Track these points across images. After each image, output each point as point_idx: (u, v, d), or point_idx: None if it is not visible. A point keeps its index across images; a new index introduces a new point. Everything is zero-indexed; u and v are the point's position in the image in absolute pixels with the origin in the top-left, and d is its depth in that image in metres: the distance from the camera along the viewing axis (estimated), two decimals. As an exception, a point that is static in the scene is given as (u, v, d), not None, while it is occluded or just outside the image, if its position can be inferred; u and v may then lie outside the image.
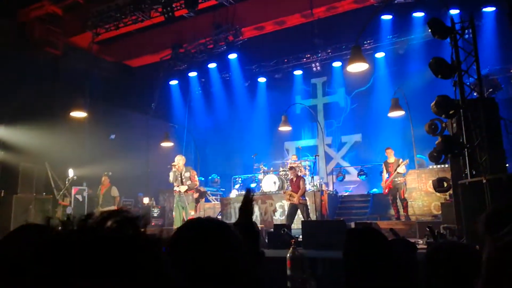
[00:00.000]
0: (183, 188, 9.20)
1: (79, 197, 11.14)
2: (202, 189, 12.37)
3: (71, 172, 10.73)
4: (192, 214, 9.28)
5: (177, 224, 9.20)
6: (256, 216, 11.44)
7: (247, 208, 1.67)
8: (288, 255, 4.04)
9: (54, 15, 12.39)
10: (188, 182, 9.27)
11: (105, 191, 10.74)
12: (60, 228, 0.56)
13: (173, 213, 9.69)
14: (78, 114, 11.13)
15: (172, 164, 9.50)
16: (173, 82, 15.71)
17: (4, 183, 9.93)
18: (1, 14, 11.12)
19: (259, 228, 6.94)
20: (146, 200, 13.68)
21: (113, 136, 13.47)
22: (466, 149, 5.45)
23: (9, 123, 10.26)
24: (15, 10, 12.06)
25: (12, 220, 9.44)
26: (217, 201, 13.61)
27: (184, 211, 9.20)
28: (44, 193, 10.73)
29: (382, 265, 1.80)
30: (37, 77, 11.25)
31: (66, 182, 10.64)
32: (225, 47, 13.07)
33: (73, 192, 11.12)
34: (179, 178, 9.34)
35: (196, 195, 10.09)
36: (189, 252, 1.15)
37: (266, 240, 6.27)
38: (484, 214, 1.86)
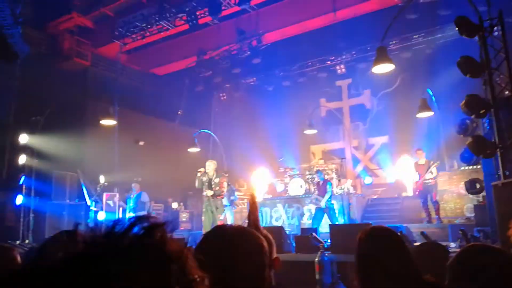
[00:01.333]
0: (210, 193, 9.29)
1: (111, 203, 11.42)
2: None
3: (102, 179, 11.01)
4: (221, 218, 9.36)
5: (206, 228, 9.29)
6: (283, 220, 11.43)
7: (253, 214, 1.69)
8: (316, 259, 4.03)
9: (82, 27, 12.79)
10: (217, 188, 9.36)
11: (135, 196, 10.97)
12: (87, 235, 0.55)
13: (202, 217, 9.79)
14: (108, 122, 11.43)
15: (198, 170, 9.60)
16: (199, 89, 15.90)
17: (39, 191, 10.27)
18: (33, 26, 11.55)
19: (285, 230, 6.92)
20: (175, 205, 13.88)
21: (142, 143, 13.75)
22: (498, 149, 5.30)
23: (42, 132, 10.62)
24: (46, 23, 12.51)
25: (47, 226, 9.74)
26: (244, 205, 13.66)
27: (213, 216, 9.29)
28: (77, 200, 11.05)
29: (394, 266, 1.76)
30: (68, 87, 11.62)
31: (98, 189, 10.91)
32: (248, 52, 13.16)
33: (104, 198, 11.41)
34: (207, 183, 9.42)
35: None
36: (214, 258, 1.18)
37: (294, 244, 6.26)
38: None
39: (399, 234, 1.98)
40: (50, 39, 12.60)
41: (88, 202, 10.75)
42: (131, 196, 11.14)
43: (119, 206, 11.41)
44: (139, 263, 0.52)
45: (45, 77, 11.00)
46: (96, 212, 10.75)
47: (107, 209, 11.17)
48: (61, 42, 12.65)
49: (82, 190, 10.85)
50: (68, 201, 10.83)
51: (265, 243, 1.25)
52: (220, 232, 1.30)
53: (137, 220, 0.57)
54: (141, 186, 11.39)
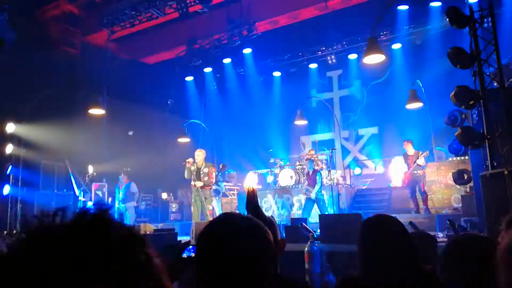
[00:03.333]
0: (199, 184, 9.26)
1: (99, 193, 11.35)
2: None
3: (90, 169, 10.92)
4: (210, 208, 9.35)
5: (195, 218, 9.29)
6: (273, 210, 11.46)
7: (254, 202, 1.68)
8: (306, 249, 4.04)
9: (70, 14, 12.57)
10: (206, 178, 9.32)
11: (124, 187, 10.91)
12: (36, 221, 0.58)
13: (191, 208, 9.77)
14: (96, 111, 11.31)
15: (187, 160, 9.55)
16: (189, 78, 15.79)
17: (26, 180, 10.16)
18: (20, 13, 11.32)
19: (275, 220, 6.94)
20: (164, 196, 13.84)
21: (131, 133, 13.64)
22: (486, 140, 5.35)
23: (29, 121, 10.48)
24: (33, 10, 12.26)
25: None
26: (234, 196, 13.67)
27: (202, 206, 9.27)
28: (65, 190, 10.95)
29: (399, 254, 1.78)
30: (56, 76, 11.44)
31: (86, 179, 10.83)
32: (239, 42, 13.07)
33: (93, 188, 11.33)
34: (196, 173, 9.39)
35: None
36: (220, 248, 1.16)
37: (284, 235, 6.28)
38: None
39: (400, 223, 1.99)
40: (38, 26, 12.36)
41: (77, 192, 10.68)
42: (120, 187, 11.07)
43: (107, 196, 11.35)
44: (82, 246, 0.54)
45: (32, 65, 10.81)
46: (84, 202, 10.68)
47: (96, 199, 11.10)
48: (49, 30, 12.43)
49: (71, 180, 10.76)
50: (56, 191, 10.74)
51: (271, 237, 1.24)
52: (229, 222, 1.26)
53: (86, 208, 0.60)
54: (130, 176, 11.32)
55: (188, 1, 11.36)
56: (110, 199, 11.50)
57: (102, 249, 0.54)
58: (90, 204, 10.34)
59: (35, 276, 0.51)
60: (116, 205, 10.89)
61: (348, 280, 1.91)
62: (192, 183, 9.42)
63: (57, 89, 11.28)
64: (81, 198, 10.71)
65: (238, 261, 1.15)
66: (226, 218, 1.29)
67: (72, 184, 10.78)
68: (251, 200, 1.68)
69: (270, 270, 1.21)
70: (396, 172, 11.45)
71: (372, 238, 1.89)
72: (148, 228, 7.76)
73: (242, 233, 1.19)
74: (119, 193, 11.07)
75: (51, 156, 10.85)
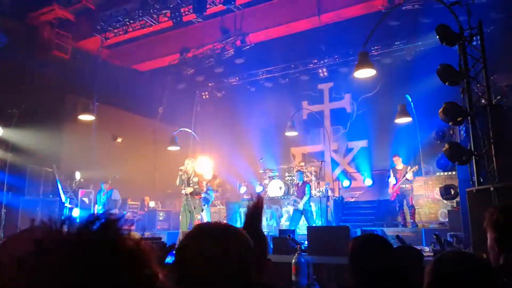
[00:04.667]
0: (189, 190, 9.20)
1: (86, 200, 11.21)
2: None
3: (78, 175, 10.81)
4: (198, 218, 9.29)
5: (183, 228, 9.21)
6: (262, 221, 11.42)
7: (256, 214, 1.68)
8: (293, 260, 4.03)
9: (63, 20, 12.52)
10: (196, 187, 9.29)
11: (106, 194, 10.79)
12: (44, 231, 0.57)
13: (180, 217, 9.71)
14: (86, 117, 11.23)
15: (180, 168, 9.52)
16: (181, 87, 15.77)
17: (12, 185, 10.01)
18: (11, 16, 11.26)
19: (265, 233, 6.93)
20: (152, 204, 13.71)
21: (120, 140, 13.55)
22: (473, 157, 5.41)
23: (17, 125, 10.35)
24: (25, 14, 12.20)
25: (19, 222, 9.50)
26: (223, 205, 13.61)
27: (191, 215, 9.21)
28: (51, 196, 10.80)
29: (387, 269, 1.82)
30: (46, 80, 11.36)
31: (73, 185, 10.71)
32: (232, 52, 13.13)
33: (80, 194, 11.19)
34: (186, 182, 9.35)
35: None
36: (199, 256, 1.16)
37: (271, 246, 6.26)
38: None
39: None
40: (29, 30, 12.28)
41: (63, 198, 10.54)
42: (102, 194, 10.94)
43: (94, 203, 11.21)
44: (92, 257, 0.53)
45: (22, 68, 10.73)
46: (70, 209, 10.55)
47: (82, 206, 10.96)
48: (40, 34, 12.35)
49: (57, 186, 10.62)
50: (42, 197, 10.58)
51: (250, 242, 1.24)
52: (202, 229, 1.27)
53: (95, 217, 0.59)
54: (116, 183, 11.21)
55: (182, 10, 11.41)
56: (96, 206, 11.37)
57: (111, 261, 0.55)
58: (76, 212, 10.23)
59: (46, 283, 0.50)
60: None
61: None
62: (183, 191, 9.36)
63: (47, 93, 11.19)
64: (67, 204, 10.57)
65: (215, 269, 1.14)
66: (198, 227, 1.31)
67: (58, 190, 10.64)
68: (255, 210, 1.68)
69: (250, 275, 1.20)
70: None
71: (361, 254, 2.00)
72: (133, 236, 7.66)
73: (216, 243, 1.19)
74: (101, 200, 10.94)
75: (38, 161, 10.72)
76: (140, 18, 11.89)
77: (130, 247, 0.58)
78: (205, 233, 1.25)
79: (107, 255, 0.55)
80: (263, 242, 1.62)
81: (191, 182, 9.29)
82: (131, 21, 12.03)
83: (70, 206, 10.59)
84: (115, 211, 11.14)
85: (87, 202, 11.18)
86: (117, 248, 0.56)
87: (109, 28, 12.28)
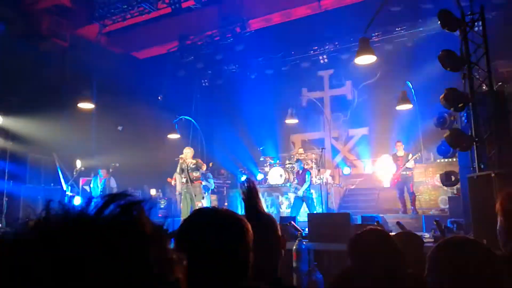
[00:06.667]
0: (196, 173, 9.26)
1: (87, 188, 11.24)
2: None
3: (78, 163, 10.81)
4: (200, 205, 9.32)
5: (184, 215, 9.24)
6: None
7: (250, 197, 1.67)
8: (294, 247, 4.05)
9: (61, 6, 12.39)
10: (196, 173, 9.31)
11: (103, 181, 10.79)
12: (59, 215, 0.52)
13: (180, 204, 9.73)
14: (86, 105, 11.19)
15: (180, 156, 9.53)
16: (180, 74, 15.68)
17: (13, 174, 10.03)
18: (9, 4, 11.15)
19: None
20: (153, 192, 13.75)
21: (120, 128, 13.52)
22: (474, 143, 5.40)
23: (17, 113, 10.33)
24: (23, 1, 12.08)
25: (21, 210, 9.54)
26: (224, 193, 13.65)
27: (191, 203, 9.24)
28: (52, 184, 10.82)
29: (386, 255, 1.83)
30: (45, 68, 11.29)
31: (74, 173, 10.72)
32: (232, 39, 13.02)
33: (80, 183, 11.21)
34: (186, 170, 9.35)
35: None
36: (198, 240, 1.16)
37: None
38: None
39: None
40: (27, 18, 12.16)
41: (64, 186, 10.56)
42: (99, 181, 10.92)
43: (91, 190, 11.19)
44: (115, 242, 0.49)
45: (21, 57, 10.65)
46: (71, 197, 10.57)
47: (83, 194, 10.99)
48: (39, 22, 12.23)
49: (58, 174, 10.64)
50: (43, 185, 10.60)
51: (248, 226, 1.23)
52: (199, 215, 1.27)
53: (112, 198, 0.54)
54: (118, 172, 11.22)
55: (181, -3, 11.30)
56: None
57: (139, 241, 0.51)
58: (77, 200, 10.25)
59: (74, 263, 0.47)
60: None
61: (342, 274, 2.02)
62: (183, 179, 9.36)
63: (46, 81, 11.14)
64: (68, 192, 10.60)
65: (212, 253, 1.14)
66: (195, 212, 1.30)
67: (59, 178, 10.65)
68: (249, 193, 1.67)
69: (248, 259, 1.20)
70: (384, 171, 11.52)
71: (362, 251, 2.01)
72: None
73: (211, 227, 1.19)
74: (98, 187, 10.93)
75: (38, 149, 10.72)
76: (139, 5, 11.77)
77: (155, 231, 0.54)
78: (199, 218, 1.25)
79: (132, 240, 0.51)
80: (271, 224, 1.62)
81: (189, 168, 9.29)
82: (130, 8, 11.92)
83: (71, 194, 10.62)
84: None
85: (88, 190, 11.21)
86: (143, 232, 0.53)
87: (108, 15, 12.17)
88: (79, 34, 13.04)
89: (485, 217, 4.02)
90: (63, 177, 10.66)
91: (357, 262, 1.97)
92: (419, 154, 10.39)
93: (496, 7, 10.48)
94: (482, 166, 5.28)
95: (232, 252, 1.17)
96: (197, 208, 8.89)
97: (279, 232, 1.57)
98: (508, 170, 4.70)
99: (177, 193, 10.08)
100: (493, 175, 4.59)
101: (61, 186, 10.62)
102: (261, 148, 13.59)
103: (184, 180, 9.36)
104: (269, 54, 15.23)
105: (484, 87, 5.81)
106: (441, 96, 5.56)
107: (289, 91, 15.00)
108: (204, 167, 9.72)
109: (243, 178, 12.76)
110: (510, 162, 5.14)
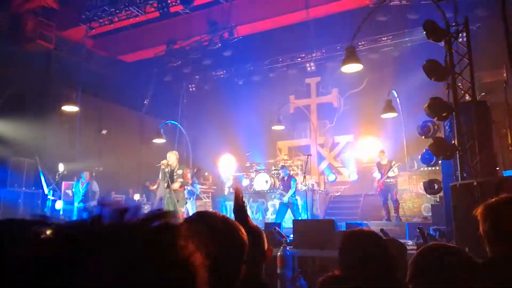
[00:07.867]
0: (176, 185, 9.02)
1: (69, 192, 11.05)
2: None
3: (61, 167, 10.63)
4: (183, 211, 9.22)
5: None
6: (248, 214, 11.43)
7: (238, 207, 1.66)
8: (279, 253, 4.04)
9: (47, 8, 12.24)
10: (180, 179, 9.15)
11: (85, 185, 10.61)
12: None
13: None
14: (70, 108, 11.03)
15: (162, 162, 9.31)
16: (167, 79, 15.61)
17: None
18: (-6, 5, 10.99)
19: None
20: (137, 197, 13.60)
21: (104, 132, 13.37)
22: (457, 152, 5.48)
23: (-1, 115, 10.15)
24: (8, 2, 11.91)
25: (0, 214, 9.34)
26: (209, 198, 13.58)
27: (174, 208, 9.11)
28: (34, 188, 10.63)
29: (376, 262, 1.82)
30: (29, 70, 11.13)
31: (56, 177, 10.54)
32: (219, 44, 13.02)
33: (63, 187, 11.03)
34: (169, 175, 9.19)
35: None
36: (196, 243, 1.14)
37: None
38: None
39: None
40: (12, 19, 11.99)
41: (46, 190, 10.37)
42: (81, 185, 10.72)
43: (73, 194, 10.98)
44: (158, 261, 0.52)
45: (5, 58, 10.47)
46: (53, 201, 10.39)
47: (65, 198, 10.81)
48: (24, 23, 12.04)
49: (40, 178, 10.45)
50: (24, 188, 10.40)
51: (244, 237, 1.23)
52: (206, 218, 1.25)
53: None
54: (102, 176, 11.06)
55: (169, 1, 11.26)
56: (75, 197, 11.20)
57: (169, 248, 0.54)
58: (59, 204, 10.06)
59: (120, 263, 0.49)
60: (76, 205, 10.56)
61: (328, 280, 1.97)
62: (165, 185, 9.20)
63: (30, 83, 10.97)
64: (50, 196, 10.41)
65: (212, 257, 1.13)
66: (202, 214, 1.29)
67: (41, 182, 10.46)
68: (236, 201, 1.67)
69: (239, 270, 1.19)
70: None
71: (349, 250, 1.99)
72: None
73: (219, 231, 1.18)
74: (80, 190, 10.73)
75: (20, 152, 10.52)
76: (126, 8, 11.70)
77: (187, 255, 0.57)
78: (206, 221, 1.23)
79: (171, 264, 0.54)
80: (259, 236, 1.62)
81: (175, 175, 9.12)
82: (117, 11, 11.83)
83: (53, 198, 10.43)
84: (94, 203, 10.95)
85: (70, 194, 11.02)
86: (180, 259, 0.55)
87: (95, 18, 12.06)
88: (65, 36, 12.90)
89: (467, 225, 4.07)
90: (45, 181, 10.47)
91: (348, 270, 1.96)
92: (400, 163, 10.54)
93: (480, 19, 10.70)
94: (464, 175, 5.36)
95: (233, 262, 1.16)
96: (180, 213, 8.77)
97: (265, 245, 1.56)
98: (490, 179, 4.77)
99: (157, 198, 9.95)
100: (475, 183, 4.66)
101: (43, 190, 10.42)
102: (247, 154, 13.58)
103: (166, 185, 9.18)
104: (256, 60, 15.28)
105: (467, 97, 5.91)
106: (425, 105, 5.64)
107: (276, 97, 15.05)
108: (189, 182, 9.64)
109: (246, 182, 12.76)
110: (492, 171, 5.22)
